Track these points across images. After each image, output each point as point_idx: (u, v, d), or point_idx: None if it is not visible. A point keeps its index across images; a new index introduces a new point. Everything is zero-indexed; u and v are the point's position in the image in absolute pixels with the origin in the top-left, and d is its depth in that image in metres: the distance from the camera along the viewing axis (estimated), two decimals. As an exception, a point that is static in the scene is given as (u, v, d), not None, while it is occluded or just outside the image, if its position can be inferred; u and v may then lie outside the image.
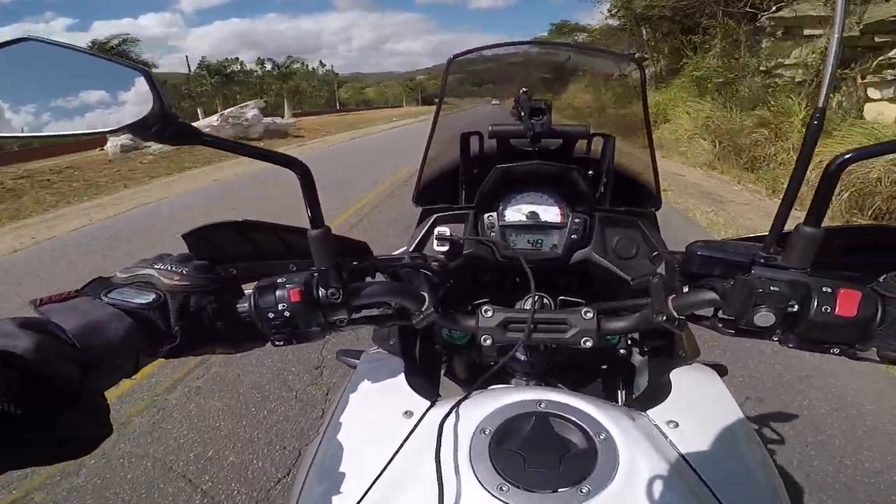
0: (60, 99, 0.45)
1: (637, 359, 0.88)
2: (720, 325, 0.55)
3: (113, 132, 0.44)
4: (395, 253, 0.80)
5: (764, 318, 0.48)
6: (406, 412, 0.63)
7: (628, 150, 0.91)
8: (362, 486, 0.55)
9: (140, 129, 0.42)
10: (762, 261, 0.49)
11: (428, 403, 0.64)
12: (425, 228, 0.88)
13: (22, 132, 0.44)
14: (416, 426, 0.61)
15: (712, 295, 0.53)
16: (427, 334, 0.88)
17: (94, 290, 0.49)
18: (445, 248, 0.84)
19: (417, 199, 0.92)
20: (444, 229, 0.85)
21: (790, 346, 0.52)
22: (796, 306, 0.48)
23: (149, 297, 0.49)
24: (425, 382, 0.74)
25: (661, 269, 0.62)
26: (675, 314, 0.57)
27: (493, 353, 0.83)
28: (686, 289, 0.58)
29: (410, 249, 0.86)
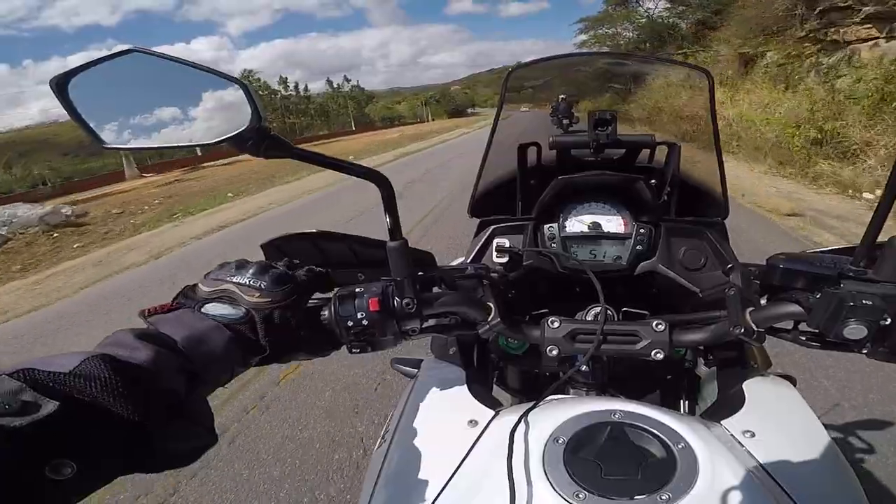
0: (164, 111, 0.46)
1: (702, 370, 0.86)
2: (802, 338, 0.54)
3: (212, 145, 0.45)
4: (455, 263, 0.81)
5: (855, 331, 0.47)
6: (471, 421, 0.63)
7: (694, 159, 0.89)
8: (432, 493, 0.55)
9: (237, 141, 0.44)
10: (852, 273, 0.48)
11: (491, 413, 0.65)
12: (483, 240, 0.87)
13: (127, 144, 0.46)
14: (481, 434, 0.61)
15: (795, 308, 0.53)
16: (483, 344, 0.87)
17: (191, 302, 0.51)
18: (504, 260, 0.83)
19: (473, 210, 0.92)
20: (503, 241, 0.84)
21: (878, 358, 0.50)
22: (889, 319, 0.46)
23: (239, 312, 0.51)
24: (486, 391, 0.74)
25: (737, 281, 0.61)
26: (753, 327, 0.56)
27: (554, 364, 0.83)
28: (764, 301, 0.57)
29: (468, 261, 0.86)
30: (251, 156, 0.46)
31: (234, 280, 0.53)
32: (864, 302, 0.46)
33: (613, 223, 0.83)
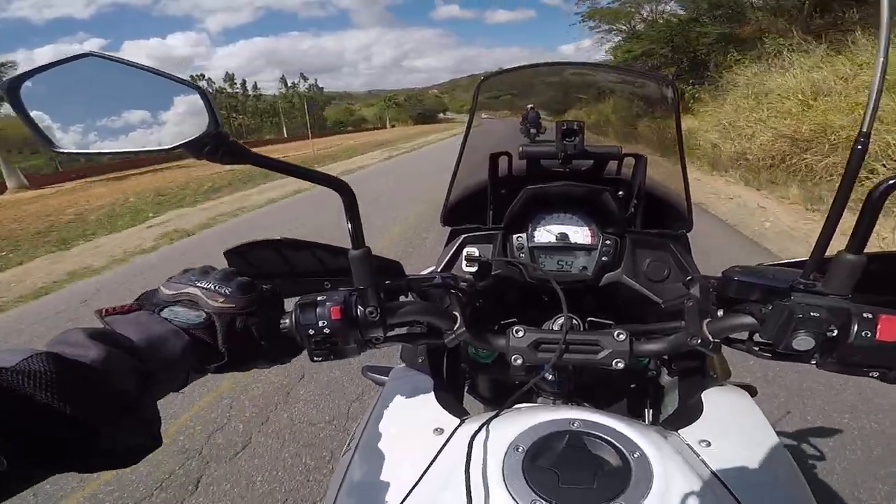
0: (119, 115, 0.46)
1: (666, 379, 0.87)
2: (756, 349, 0.56)
3: (168, 150, 0.44)
4: (424, 272, 0.81)
5: (803, 342, 0.48)
6: (436, 429, 0.64)
7: (661, 171, 0.91)
8: (395, 500, 0.55)
9: (194, 147, 0.43)
10: (802, 286, 0.49)
11: (458, 421, 0.65)
12: (454, 249, 0.88)
13: (81, 149, 0.45)
14: (446, 443, 0.61)
15: (749, 319, 0.54)
16: (453, 352, 0.88)
17: (151, 304, 0.50)
18: (474, 269, 0.84)
19: (445, 219, 0.93)
20: (472, 250, 0.85)
21: (828, 369, 0.52)
22: (836, 331, 0.48)
23: (199, 318, 0.50)
24: (453, 400, 0.74)
25: (696, 292, 0.62)
26: (710, 337, 0.58)
27: (521, 373, 0.83)
28: (721, 313, 0.59)
29: (439, 269, 0.87)
30: (209, 161, 0.45)
31: (199, 285, 0.52)
32: (811, 314, 0.47)
33: (580, 234, 0.85)
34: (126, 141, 0.46)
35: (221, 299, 0.51)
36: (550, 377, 0.78)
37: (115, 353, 0.40)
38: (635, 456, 0.52)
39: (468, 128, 0.92)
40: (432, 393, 0.72)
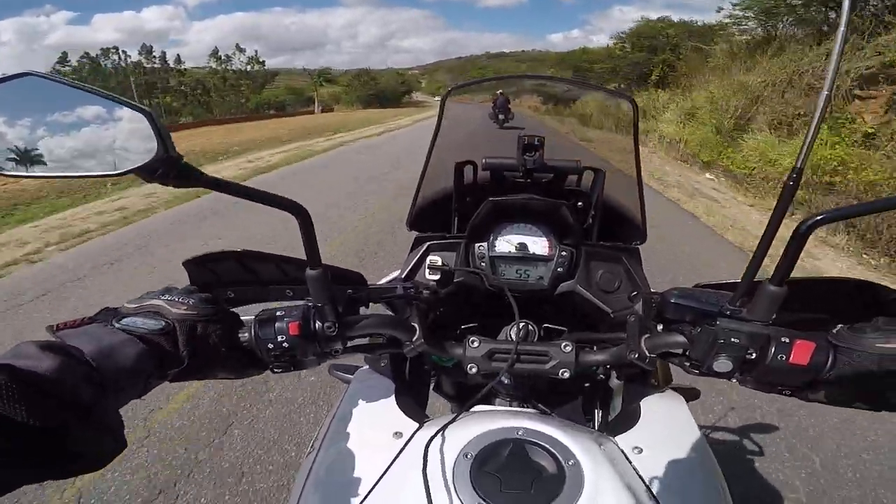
0: (61, 138, 0.44)
1: (615, 382, 0.91)
2: (687, 365, 0.59)
3: (116, 175, 0.43)
4: (388, 279, 0.82)
5: (723, 364, 0.52)
6: (395, 433, 0.66)
7: (618, 185, 0.94)
8: (355, 502, 0.58)
9: (145, 172, 0.42)
10: (728, 312, 0.53)
11: (416, 425, 0.68)
12: (418, 256, 0.90)
13: (21, 172, 0.44)
14: (404, 447, 0.64)
15: (681, 339, 0.58)
16: (417, 356, 0.90)
17: (106, 317, 0.51)
18: (437, 277, 0.86)
19: (412, 224, 0.95)
20: (436, 258, 0.87)
21: (747, 386, 0.56)
22: (755, 354, 0.51)
23: (159, 324, 0.51)
24: (414, 403, 0.77)
25: (639, 309, 0.65)
26: (646, 353, 0.61)
27: (479, 377, 0.86)
28: (660, 328, 0.62)
29: (403, 275, 0.88)
30: (162, 185, 0.44)
31: (162, 297, 0.54)
32: (732, 340, 0.51)
33: (539, 245, 0.87)
34: (72, 165, 0.45)
35: (184, 307, 0.53)
36: (507, 381, 0.81)
37: (67, 362, 0.41)
38: (570, 463, 0.55)
39: (435, 135, 0.92)
40: (393, 397, 0.75)
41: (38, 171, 0.45)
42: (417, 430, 0.66)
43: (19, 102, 0.44)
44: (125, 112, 0.44)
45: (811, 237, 0.45)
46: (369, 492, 0.58)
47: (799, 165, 0.45)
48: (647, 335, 0.61)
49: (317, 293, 0.56)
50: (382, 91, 67.89)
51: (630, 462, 0.62)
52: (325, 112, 47.46)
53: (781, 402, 2.22)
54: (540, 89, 1.24)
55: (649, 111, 13.62)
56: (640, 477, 0.60)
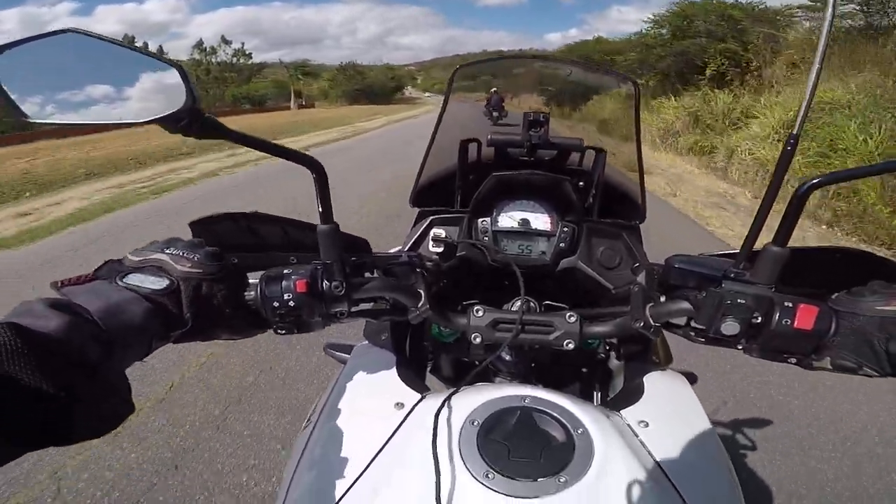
0: (96, 89, 0.47)
1: (614, 363, 0.93)
2: (692, 334, 0.60)
3: (143, 123, 0.46)
4: (392, 251, 0.84)
5: (730, 327, 0.53)
6: (397, 404, 0.66)
7: (620, 164, 0.96)
8: (354, 471, 0.57)
9: (170, 122, 0.45)
10: (732, 275, 0.54)
11: (418, 396, 0.67)
12: (421, 229, 0.92)
13: (51, 118, 0.47)
14: (406, 416, 0.64)
15: (686, 305, 0.58)
16: (416, 331, 0.91)
17: (110, 273, 0.50)
18: (440, 249, 0.88)
19: (415, 200, 0.96)
20: (439, 231, 0.89)
21: (753, 354, 0.57)
22: (760, 318, 0.52)
23: (163, 283, 0.50)
24: (415, 377, 0.77)
25: (642, 279, 0.67)
26: (651, 321, 0.62)
27: (481, 352, 0.87)
28: (663, 298, 0.63)
29: (406, 249, 0.90)
30: (184, 136, 0.47)
31: (166, 251, 0.53)
32: (738, 301, 0.52)
33: (541, 221, 0.89)
34: (101, 112, 0.47)
35: (188, 264, 0.52)
36: (508, 357, 0.83)
37: (74, 321, 0.40)
38: (579, 432, 0.55)
39: (440, 115, 0.94)
40: (394, 369, 0.74)
41: (65, 119, 0.47)
42: (420, 400, 0.66)
43: (59, 56, 0.47)
44: (158, 66, 0.47)
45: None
46: (371, 461, 0.58)
47: (795, 132, 0.47)
48: (651, 304, 0.62)
49: (326, 249, 0.57)
50: (370, 86, 61.39)
51: (636, 435, 0.62)
52: (305, 108, 43.80)
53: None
54: (543, 89, 1.25)
55: (706, 118, 10.03)
56: (647, 449, 0.60)
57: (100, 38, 0.46)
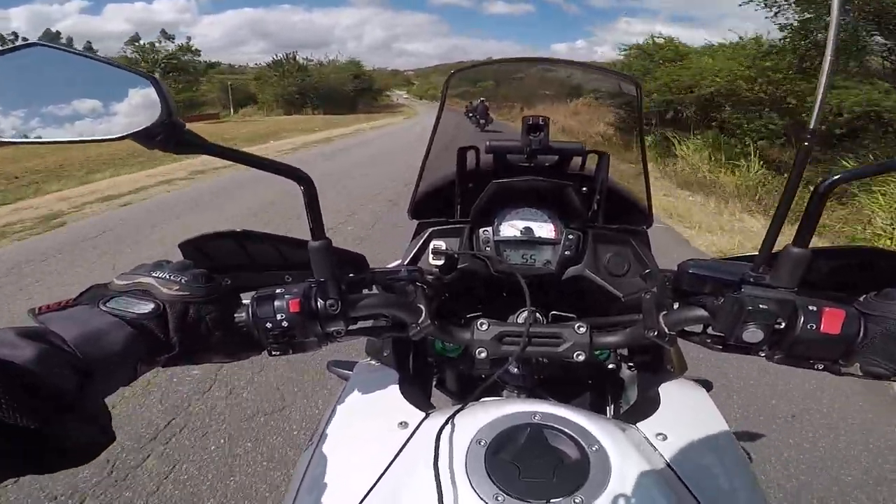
0: (66, 105, 0.45)
1: (626, 373, 0.89)
2: (709, 341, 0.57)
3: (116, 139, 0.43)
4: (390, 265, 0.81)
5: (753, 334, 0.49)
6: (401, 423, 0.64)
7: (623, 168, 0.93)
8: (357, 495, 0.55)
9: (145, 137, 0.43)
10: (751, 279, 0.51)
11: (423, 415, 0.65)
12: (420, 242, 0.88)
13: (21, 137, 0.44)
14: (410, 437, 0.61)
15: (702, 312, 0.55)
16: (419, 347, 0.88)
17: (92, 298, 0.49)
18: (440, 262, 0.84)
19: (413, 212, 0.94)
20: (439, 243, 0.85)
21: (776, 361, 0.53)
22: (783, 324, 0.49)
23: (148, 307, 0.48)
24: (419, 394, 0.74)
25: (653, 286, 0.64)
26: (665, 330, 0.59)
27: (486, 366, 0.84)
28: (676, 306, 0.60)
29: (405, 262, 0.87)
30: (161, 151, 0.44)
31: (153, 275, 0.51)
32: (760, 306, 0.49)
33: (545, 228, 0.86)
34: (72, 130, 0.45)
35: (175, 287, 0.50)
36: (515, 370, 0.79)
37: (49, 350, 0.39)
38: (594, 449, 0.52)
39: (437, 121, 0.92)
40: (397, 386, 0.72)
41: (36, 137, 0.45)
42: (424, 419, 0.64)
43: (26, 71, 0.45)
44: (130, 78, 0.45)
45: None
46: (374, 484, 0.56)
47: (811, 127, 0.45)
48: (664, 312, 0.59)
49: (319, 266, 0.55)
50: (317, 88, 45.83)
51: (655, 448, 0.59)
52: (203, 119, 31.55)
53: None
54: (542, 94, 1.22)
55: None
56: (668, 463, 0.57)
57: (67, 50, 0.45)
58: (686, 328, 0.59)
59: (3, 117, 0.44)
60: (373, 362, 0.82)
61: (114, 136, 0.43)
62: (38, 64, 0.45)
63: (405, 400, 0.69)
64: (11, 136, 0.44)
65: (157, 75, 0.46)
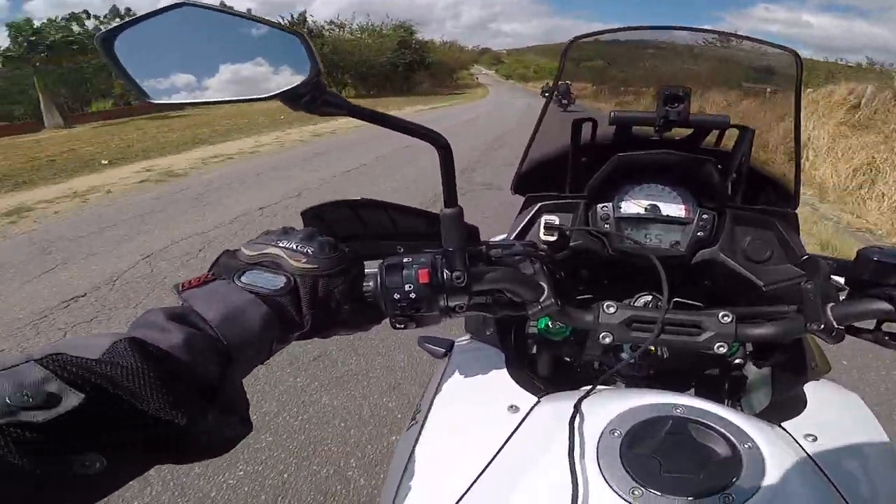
0: (215, 65, 0.44)
1: (751, 370, 0.81)
2: (887, 339, 0.50)
3: (265, 99, 0.42)
4: (501, 239, 0.77)
5: None
6: (511, 406, 0.61)
7: (767, 146, 0.84)
8: (467, 479, 0.53)
9: (291, 97, 0.41)
10: None
11: (534, 399, 0.62)
12: (529, 216, 0.83)
13: (175, 99, 0.44)
14: (522, 421, 0.59)
15: (885, 305, 0.48)
16: (521, 326, 0.84)
17: (228, 270, 0.48)
18: (552, 238, 0.79)
19: (516, 187, 0.89)
20: (552, 218, 0.80)
21: None
22: None
23: (280, 282, 0.47)
24: (528, 375, 0.71)
25: (816, 275, 0.56)
26: (834, 324, 0.52)
27: (598, 353, 0.79)
28: (842, 296, 0.53)
29: (512, 237, 0.82)
30: (307, 112, 0.43)
31: (280, 245, 0.50)
32: None
33: (673, 207, 0.78)
34: (221, 90, 0.44)
35: (304, 259, 0.49)
36: (631, 360, 0.74)
37: (194, 334, 0.39)
38: (746, 447, 0.48)
39: (550, 95, 0.86)
40: (504, 368, 0.69)
41: (189, 98, 0.44)
42: (537, 403, 0.61)
43: (174, 31, 0.44)
44: (277, 36, 0.43)
45: None
46: (484, 469, 0.54)
47: None
48: (832, 304, 0.52)
49: (450, 235, 0.52)
50: (347, 61, 33.94)
51: (804, 449, 0.54)
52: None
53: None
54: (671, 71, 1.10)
55: None
56: (819, 467, 0.52)
57: (214, 8, 0.43)
58: (857, 324, 0.52)
59: (154, 80, 0.44)
60: (473, 340, 0.79)
61: (264, 96, 0.42)
62: (186, 23, 0.44)
63: (514, 382, 0.66)
64: (164, 97, 0.44)
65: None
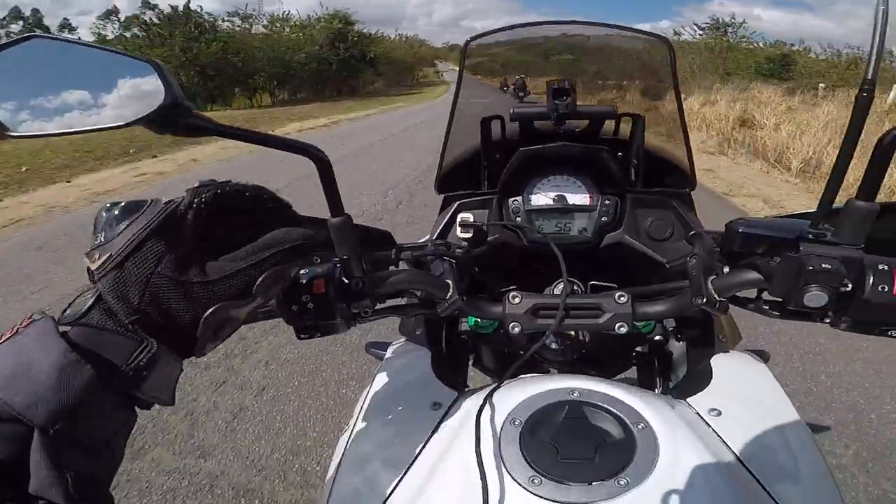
0: (70, 95, 0.44)
1: (675, 346, 0.85)
2: (765, 307, 0.52)
3: (123, 126, 0.42)
4: (418, 242, 0.79)
5: (815, 297, 0.44)
6: (434, 403, 0.62)
7: (659, 131, 0.87)
8: (393, 477, 0.54)
9: (153, 121, 0.41)
10: (811, 237, 0.45)
11: (455, 394, 0.64)
12: (448, 215, 0.85)
13: (33, 132, 0.44)
14: (443, 417, 0.60)
15: (755, 275, 0.50)
16: (453, 324, 0.86)
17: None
18: (469, 235, 0.81)
19: (439, 186, 0.90)
20: (467, 215, 0.82)
21: (842, 328, 0.48)
22: (850, 285, 0.44)
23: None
24: (452, 373, 0.73)
25: (699, 249, 0.59)
26: (715, 296, 0.54)
27: (523, 342, 0.81)
28: (727, 269, 0.55)
29: (434, 237, 0.84)
30: (173, 136, 0.43)
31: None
32: (823, 266, 0.43)
33: (578, 195, 0.81)
34: (79, 120, 0.43)
35: None
36: (554, 346, 0.76)
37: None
38: (639, 427, 0.49)
39: (457, 92, 0.88)
40: (430, 367, 0.71)
41: (47, 130, 0.44)
42: (457, 399, 0.63)
43: (26, 64, 0.43)
44: (132, 64, 0.43)
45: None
46: (409, 466, 0.55)
47: (869, 77, 0.39)
48: (713, 277, 0.54)
49: (341, 243, 0.52)
50: (260, 61, 26.14)
51: (709, 425, 0.55)
52: None
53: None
54: (567, 59, 1.14)
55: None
56: (723, 440, 0.53)
57: (65, 40, 0.44)
58: (738, 294, 0.54)
59: (10, 113, 0.43)
60: (407, 342, 0.81)
61: (121, 124, 0.42)
62: (39, 56, 0.43)
63: (438, 380, 0.67)
64: (21, 130, 0.43)
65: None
